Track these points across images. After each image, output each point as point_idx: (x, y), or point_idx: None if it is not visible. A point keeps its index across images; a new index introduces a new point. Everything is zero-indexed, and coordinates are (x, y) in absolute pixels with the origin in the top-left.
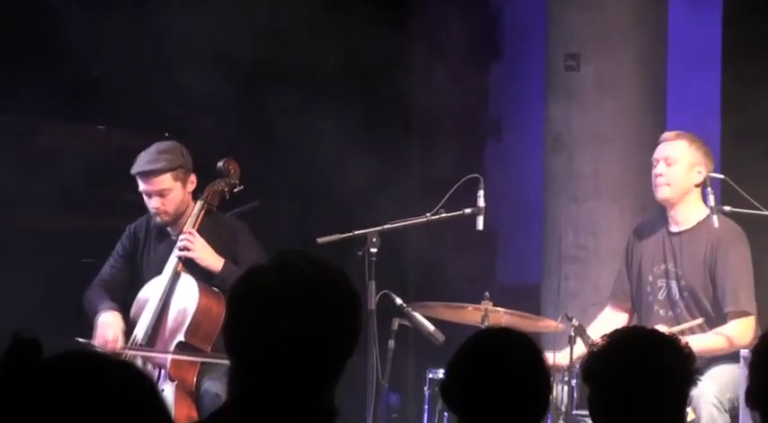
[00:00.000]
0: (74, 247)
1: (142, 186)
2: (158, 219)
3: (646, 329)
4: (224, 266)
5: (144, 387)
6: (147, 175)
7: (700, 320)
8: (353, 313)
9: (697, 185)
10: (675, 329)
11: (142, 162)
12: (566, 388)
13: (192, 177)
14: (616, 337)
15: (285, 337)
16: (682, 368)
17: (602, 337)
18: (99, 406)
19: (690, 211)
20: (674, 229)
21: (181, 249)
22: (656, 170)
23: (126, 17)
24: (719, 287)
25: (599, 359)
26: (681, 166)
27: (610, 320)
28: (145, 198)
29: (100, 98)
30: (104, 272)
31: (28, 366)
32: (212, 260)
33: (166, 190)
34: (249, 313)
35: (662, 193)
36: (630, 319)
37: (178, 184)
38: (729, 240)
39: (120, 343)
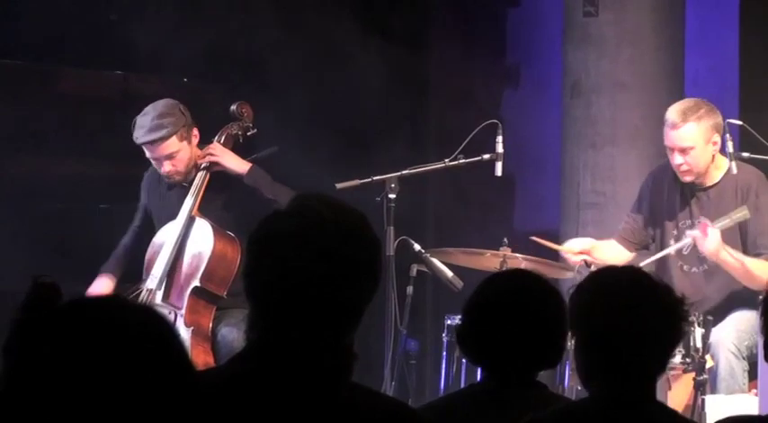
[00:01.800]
0: (92, 191)
1: (149, 154)
2: (171, 180)
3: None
4: (250, 169)
5: (164, 329)
6: (153, 143)
7: (745, 210)
8: (373, 257)
9: (714, 150)
10: (718, 224)
11: (144, 131)
12: None
13: (195, 131)
14: (606, 273)
15: (305, 282)
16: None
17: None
18: (120, 346)
19: (713, 169)
20: (698, 185)
21: (206, 163)
22: (675, 161)
23: None
24: (751, 234)
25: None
26: (697, 150)
27: (616, 250)
28: (154, 163)
29: (116, 43)
30: (136, 217)
31: (47, 310)
32: (238, 164)
33: (174, 152)
34: (268, 258)
35: (688, 178)
36: (635, 260)
37: (184, 144)
38: (757, 189)
39: None
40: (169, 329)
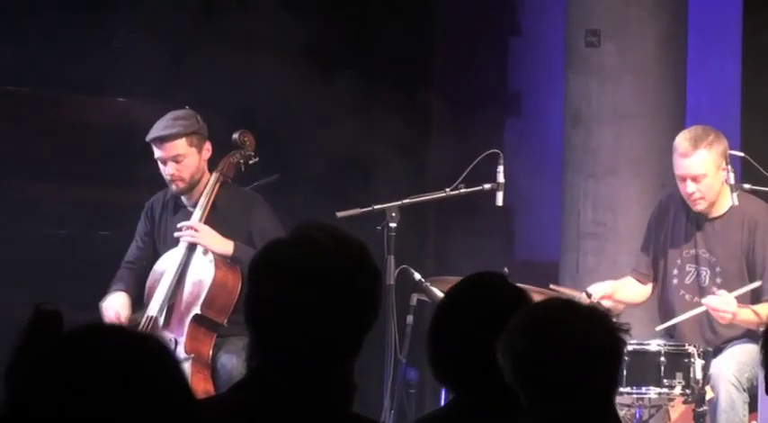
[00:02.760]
0: (91, 218)
1: (157, 153)
2: (174, 186)
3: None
4: (235, 249)
5: (165, 357)
6: (162, 140)
7: (758, 283)
8: (373, 287)
9: (724, 177)
10: (733, 293)
11: (157, 128)
12: None
13: (208, 145)
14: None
15: (305, 312)
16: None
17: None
18: (121, 374)
19: (721, 199)
20: (705, 215)
21: (188, 241)
22: (687, 189)
23: None
24: (758, 269)
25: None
26: (709, 177)
27: (633, 288)
28: (160, 166)
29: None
30: (130, 252)
31: (49, 337)
32: (221, 246)
33: (181, 155)
34: (269, 287)
35: (701, 206)
36: (653, 293)
37: (193, 150)
38: (766, 224)
39: (123, 320)
40: (169, 357)
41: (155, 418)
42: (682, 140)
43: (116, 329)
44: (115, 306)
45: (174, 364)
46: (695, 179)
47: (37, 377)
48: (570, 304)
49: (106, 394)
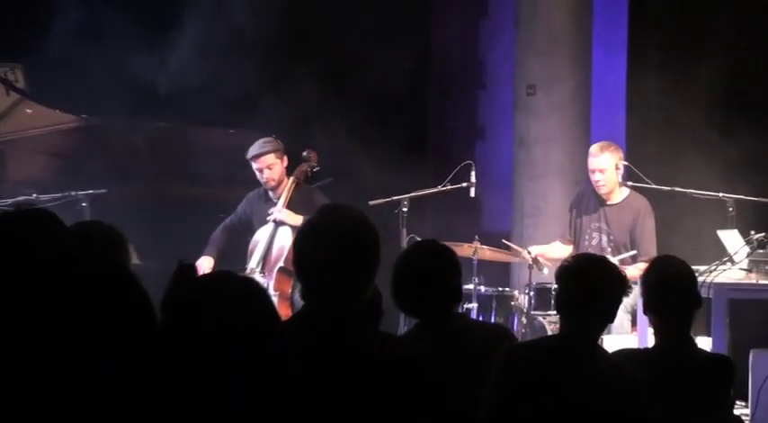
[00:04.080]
0: (210, 207)
1: (255, 165)
2: (267, 186)
3: (598, 256)
4: (303, 219)
5: (263, 292)
6: (259, 156)
7: (633, 252)
8: (376, 244)
9: (618, 175)
10: (616, 258)
11: (253, 148)
12: (527, 297)
13: (286, 159)
14: (581, 258)
15: (334, 261)
16: (619, 280)
17: (569, 258)
18: (240, 302)
19: (616, 192)
20: (605, 201)
21: (275, 218)
22: (595, 178)
23: None
24: (637, 243)
25: (568, 270)
26: (609, 172)
27: (560, 248)
28: (257, 174)
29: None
30: (231, 218)
31: (187, 282)
32: (296, 220)
33: (272, 164)
34: (307, 246)
35: (603, 191)
36: (572, 251)
37: (278, 162)
38: (645, 213)
39: None
40: (265, 293)
41: (261, 327)
42: (594, 147)
43: (234, 276)
44: (204, 267)
45: (268, 297)
46: (601, 171)
47: (185, 308)
48: (591, 259)
49: (232, 315)
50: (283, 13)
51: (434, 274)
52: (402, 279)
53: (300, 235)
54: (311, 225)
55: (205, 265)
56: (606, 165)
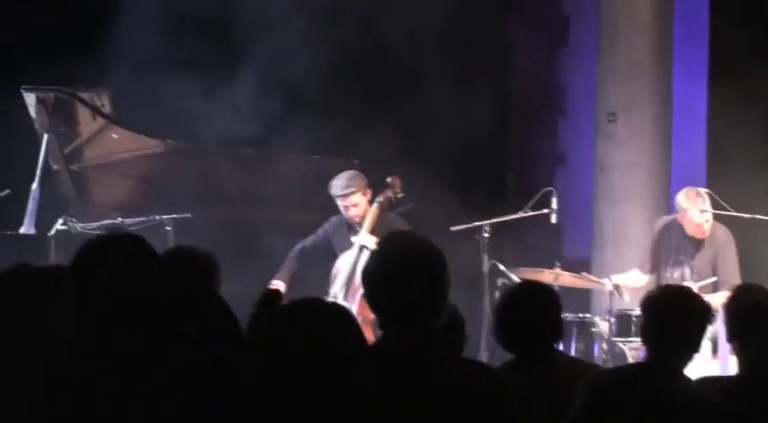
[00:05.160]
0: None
1: (340, 202)
2: (352, 221)
3: (684, 287)
4: None
5: (350, 317)
6: (344, 197)
7: (714, 279)
8: (442, 265)
9: None
10: (697, 284)
11: (339, 188)
12: (608, 323)
13: (368, 192)
14: (667, 289)
15: (406, 287)
16: (705, 310)
17: (655, 289)
18: (327, 325)
19: None
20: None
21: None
22: (699, 221)
23: None
24: (720, 272)
25: (655, 300)
26: (709, 219)
27: (639, 277)
28: (342, 209)
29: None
30: (309, 240)
31: (272, 306)
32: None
33: (356, 204)
34: (373, 275)
35: (701, 236)
36: (651, 281)
37: (363, 199)
38: (727, 242)
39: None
40: (353, 320)
41: (347, 348)
42: (695, 203)
43: (319, 301)
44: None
45: (355, 324)
46: (708, 221)
47: (270, 332)
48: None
49: (318, 337)
50: (366, 40)
51: (539, 316)
52: (506, 320)
53: (366, 265)
54: (376, 254)
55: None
56: (708, 217)
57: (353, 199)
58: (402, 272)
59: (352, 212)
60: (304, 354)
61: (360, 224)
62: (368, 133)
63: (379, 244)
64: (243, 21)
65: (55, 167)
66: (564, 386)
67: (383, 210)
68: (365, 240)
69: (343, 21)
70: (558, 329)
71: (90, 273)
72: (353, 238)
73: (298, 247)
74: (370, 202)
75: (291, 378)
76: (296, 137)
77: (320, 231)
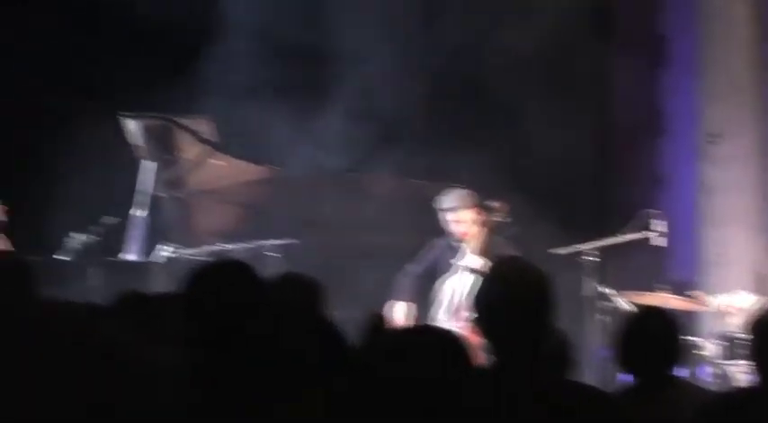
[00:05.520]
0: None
1: (448, 217)
2: (459, 239)
3: None
4: None
5: (462, 344)
6: (451, 210)
7: None
8: (547, 288)
9: None
10: None
11: (448, 201)
12: (715, 346)
13: (478, 211)
14: None
15: (506, 312)
16: None
17: (765, 310)
18: (439, 352)
19: None
20: None
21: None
22: None
23: None
24: None
25: (764, 322)
26: None
27: (744, 299)
28: (448, 225)
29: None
30: (417, 265)
31: (378, 332)
32: (485, 268)
33: (464, 220)
34: (482, 300)
35: None
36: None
37: (471, 216)
38: None
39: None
40: (464, 344)
41: (460, 373)
42: None
43: (429, 327)
44: (402, 313)
45: (466, 346)
46: None
47: (381, 363)
48: None
49: (430, 361)
50: (464, 67)
51: (659, 341)
52: (626, 345)
53: (478, 289)
54: (488, 279)
55: (402, 311)
56: None
57: (462, 214)
58: (514, 296)
59: (460, 229)
60: (417, 380)
61: (464, 242)
62: (467, 160)
63: (491, 269)
64: (341, 50)
65: (157, 194)
66: (682, 412)
67: (488, 233)
68: (473, 262)
69: (439, 50)
70: (678, 354)
71: (198, 300)
72: (459, 262)
73: (410, 270)
74: (478, 224)
75: (405, 404)
76: (393, 165)
77: (429, 255)
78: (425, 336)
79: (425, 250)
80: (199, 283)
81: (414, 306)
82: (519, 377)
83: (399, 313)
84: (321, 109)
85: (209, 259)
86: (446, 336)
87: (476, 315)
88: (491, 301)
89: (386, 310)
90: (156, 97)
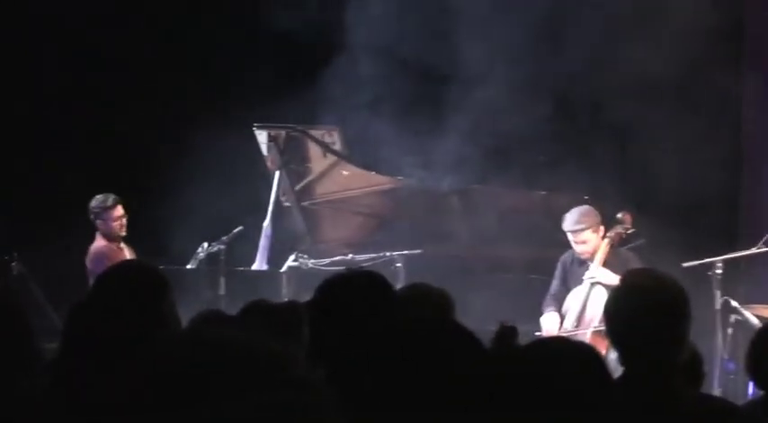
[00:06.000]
0: (525, 268)
1: (571, 238)
2: (582, 257)
3: None
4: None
5: (597, 355)
6: (575, 232)
7: None
8: (685, 301)
9: None
10: None
11: (571, 223)
12: None
13: (601, 228)
14: None
15: (642, 324)
16: None
17: None
18: (571, 367)
19: None
20: None
21: (591, 278)
22: None
23: None
24: None
25: None
26: None
27: None
28: (573, 244)
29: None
30: (553, 287)
31: (510, 344)
32: (611, 279)
33: (586, 240)
34: (617, 311)
35: None
36: None
37: (594, 235)
38: None
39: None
40: (599, 355)
41: (594, 386)
42: None
43: (561, 339)
44: (553, 323)
45: (601, 358)
46: None
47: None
48: None
49: (565, 373)
50: (593, 82)
51: None
52: (761, 358)
53: (610, 301)
54: (619, 291)
55: (554, 320)
56: None
57: (584, 235)
58: (648, 308)
59: (582, 249)
60: (555, 390)
61: (590, 259)
62: (596, 178)
63: (623, 280)
64: (464, 68)
65: (286, 204)
66: None
67: (613, 245)
68: (597, 274)
69: (563, 71)
70: None
71: (329, 310)
72: (585, 274)
73: (548, 297)
74: (603, 237)
75: (543, 415)
76: (518, 179)
77: (558, 274)
78: (562, 347)
79: (557, 269)
80: (332, 292)
81: (557, 316)
82: (652, 389)
83: (551, 323)
84: (441, 126)
85: (338, 269)
86: (582, 347)
87: (607, 326)
88: (627, 312)
89: (543, 321)
90: (277, 109)
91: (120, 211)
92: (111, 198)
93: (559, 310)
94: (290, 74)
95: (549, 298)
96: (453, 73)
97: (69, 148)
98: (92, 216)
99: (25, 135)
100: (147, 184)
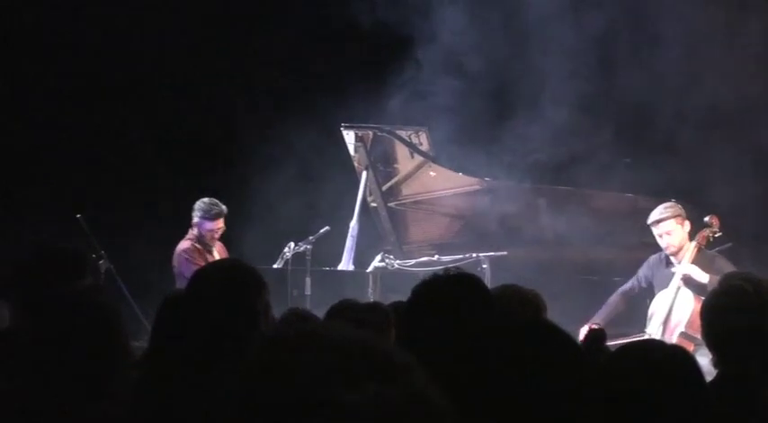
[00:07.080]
0: (609, 270)
1: (656, 231)
2: (667, 251)
3: None
4: (710, 278)
5: (689, 356)
6: (659, 222)
7: None
8: None
9: None
10: None
11: (655, 214)
12: None
13: (687, 224)
14: None
15: (740, 328)
16: None
17: None
18: (668, 368)
19: None
20: None
21: (682, 276)
22: None
23: None
24: None
25: None
26: None
27: None
28: (657, 238)
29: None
30: (630, 283)
31: (599, 347)
32: (701, 276)
33: (671, 231)
34: (714, 315)
35: None
36: None
37: (678, 227)
38: None
39: None
40: (691, 357)
41: (689, 386)
42: None
43: (657, 342)
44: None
45: (694, 360)
46: None
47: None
48: None
49: (661, 374)
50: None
51: None
52: None
53: (707, 305)
54: (716, 294)
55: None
56: None
57: (666, 225)
58: (747, 310)
59: (666, 241)
60: (649, 391)
61: (676, 255)
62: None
63: (721, 283)
64: (533, 80)
65: (373, 204)
66: None
67: (701, 248)
68: (687, 269)
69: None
70: None
71: (428, 310)
72: (673, 269)
73: (620, 290)
74: (689, 237)
75: (638, 417)
76: (603, 173)
77: (640, 273)
78: (654, 350)
79: (641, 267)
80: (427, 294)
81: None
82: (749, 391)
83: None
84: (524, 129)
85: (424, 269)
86: (675, 350)
87: (704, 328)
88: (726, 315)
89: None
90: (365, 109)
91: (219, 224)
92: (215, 210)
93: (615, 313)
94: (378, 74)
95: (615, 296)
96: (536, 77)
97: (161, 150)
98: (192, 213)
99: (120, 132)
100: (236, 184)
